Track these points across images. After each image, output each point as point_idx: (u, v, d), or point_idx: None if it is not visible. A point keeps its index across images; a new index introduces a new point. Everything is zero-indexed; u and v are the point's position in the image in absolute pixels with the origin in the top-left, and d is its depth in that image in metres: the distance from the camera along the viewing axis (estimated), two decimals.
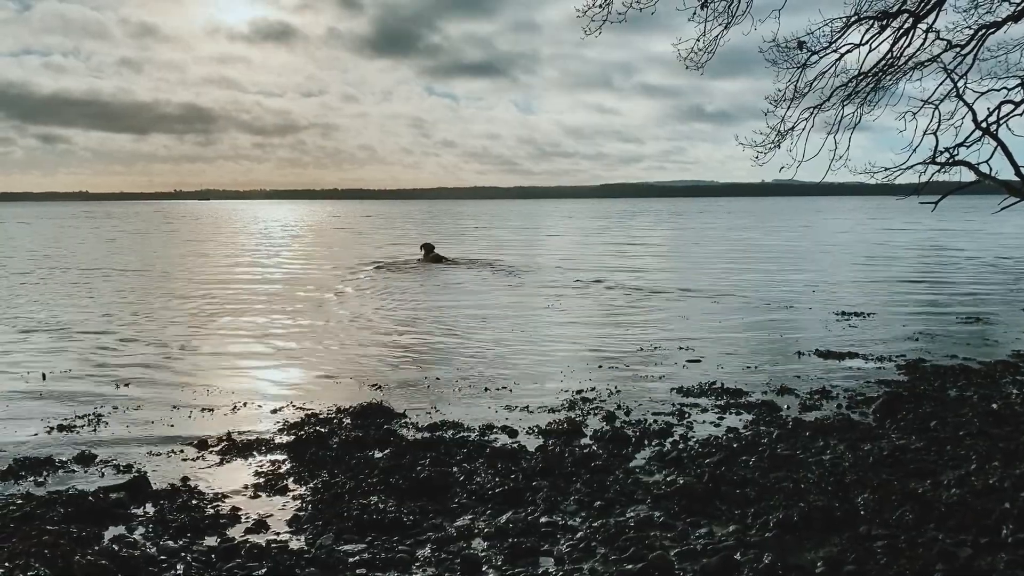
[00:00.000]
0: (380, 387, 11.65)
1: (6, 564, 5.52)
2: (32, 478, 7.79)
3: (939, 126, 14.03)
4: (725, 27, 13.23)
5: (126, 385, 11.78)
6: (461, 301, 21.40)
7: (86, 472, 8.03)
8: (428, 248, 35.45)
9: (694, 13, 13.12)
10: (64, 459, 8.32)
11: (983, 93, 13.85)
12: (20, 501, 6.95)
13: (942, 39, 13.62)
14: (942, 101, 13.97)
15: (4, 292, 24.13)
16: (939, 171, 14.44)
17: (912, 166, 14.23)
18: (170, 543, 6.20)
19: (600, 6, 12.99)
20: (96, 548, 5.99)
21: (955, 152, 14.26)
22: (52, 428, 9.52)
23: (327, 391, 11.51)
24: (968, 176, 14.44)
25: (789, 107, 14.12)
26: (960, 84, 13.72)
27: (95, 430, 9.49)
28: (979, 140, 14.04)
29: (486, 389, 11.45)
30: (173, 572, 5.75)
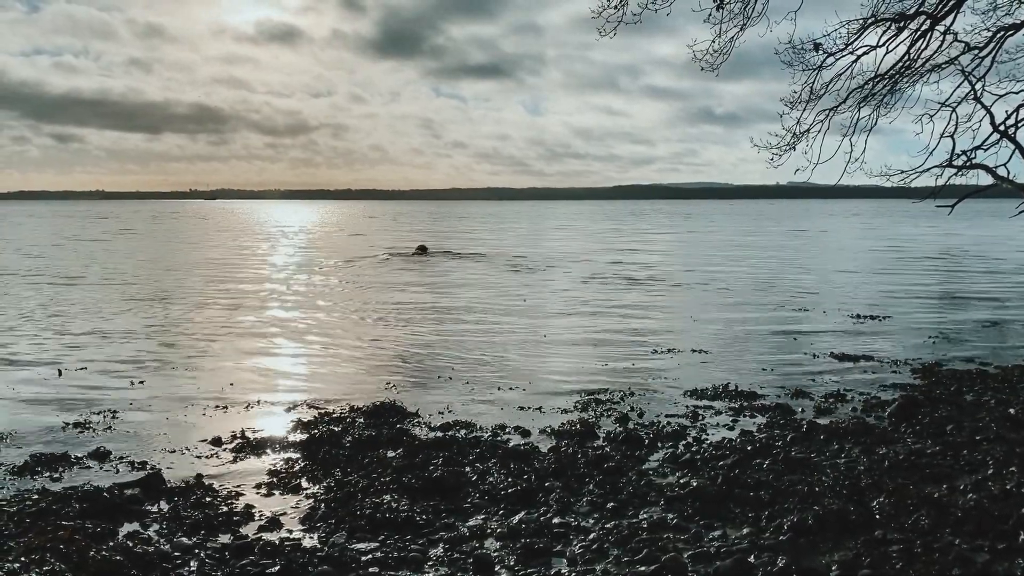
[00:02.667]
0: (393, 386, 11.67)
1: (22, 558, 5.56)
2: (48, 474, 7.84)
3: (956, 129, 13.92)
4: (741, 28, 13.17)
5: (140, 382, 11.85)
6: (473, 299, 21.39)
7: (101, 468, 8.07)
8: (423, 248, 41.31)
9: (709, 15, 13.08)
10: (79, 455, 8.37)
11: (1001, 96, 13.73)
12: (36, 496, 7.00)
13: (960, 41, 13.52)
14: (959, 104, 13.86)
15: (16, 290, 24.32)
16: (956, 174, 14.34)
17: (928, 169, 14.13)
18: (184, 540, 6.22)
19: (615, 7, 12.96)
20: (111, 544, 6.02)
21: (972, 155, 14.15)
22: (67, 424, 9.59)
23: (340, 390, 11.53)
24: (985, 179, 14.32)
25: (804, 109, 14.05)
26: (978, 86, 13.62)
27: (110, 427, 9.55)
28: (997, 143, 13.92)
29: (499, 389, 11.44)
30: (187, 568, 5.77)
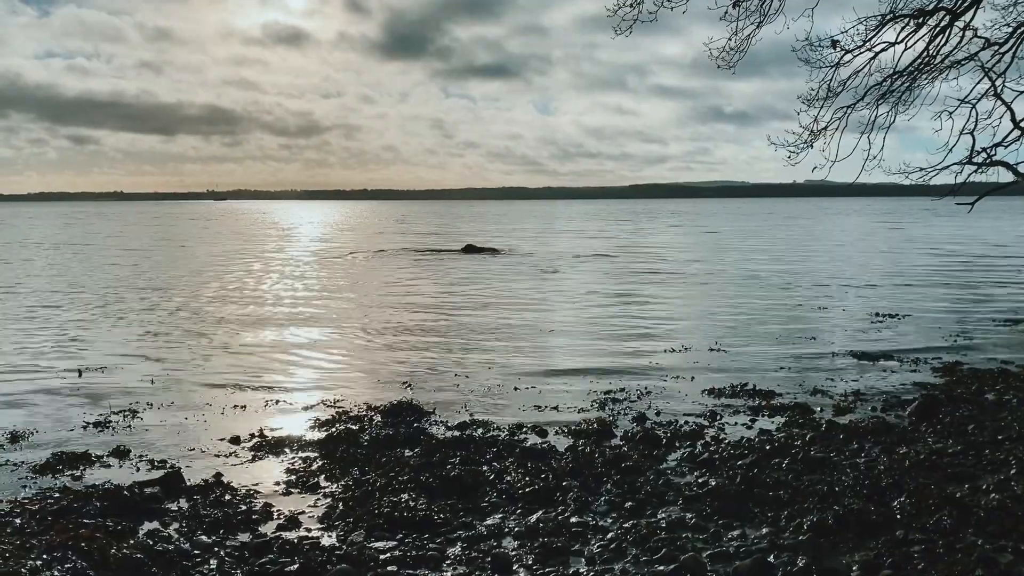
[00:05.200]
0: (410, 385, 11.69)
1: (45, 556, 5.61)
2: (69, 472, 7.90)
3: (976, 125, 13.82)
4: (757, 26, 13.12)
5: (159, 382, 11.92)
6: (488, 297, 21.39)
7: (121, 467, 8.13)
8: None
9: (726, 12, 13.04)
10: (100, 454, 8.44)
11: (1022, 92, 13.61)
12: (58, 495, 7.06)
13: (980, 37, 13.42)
14: (979, 100, 13.75)
15: (34, 290, 24.55)
16: (976, 171, 14.21)
17: (948, 166, 14.03)
18: (203, 538, 6.25)
19: (631, 5, 12.94)
20: (131, 542, 6.06)
21: (993, 152, 14.04)
22: (88, 424, 9.66)
23: (357, 389, 11.57)
24: (1006, 176, 14.19)
25: (822, 107, 13.99)
26: (998, 83, 13.51)
27: (130, 426, 9.62)
28: (1018, 139, 13.78)
29: (515, 388, 11.43)
30: (207, 567, 5.79)
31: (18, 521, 6.40)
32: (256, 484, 7.55)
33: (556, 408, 10.33)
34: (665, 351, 14.19)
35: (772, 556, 5.80)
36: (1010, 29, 13.22)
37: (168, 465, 8.08)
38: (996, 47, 13.30)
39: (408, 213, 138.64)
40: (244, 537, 6.32)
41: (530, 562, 5.85)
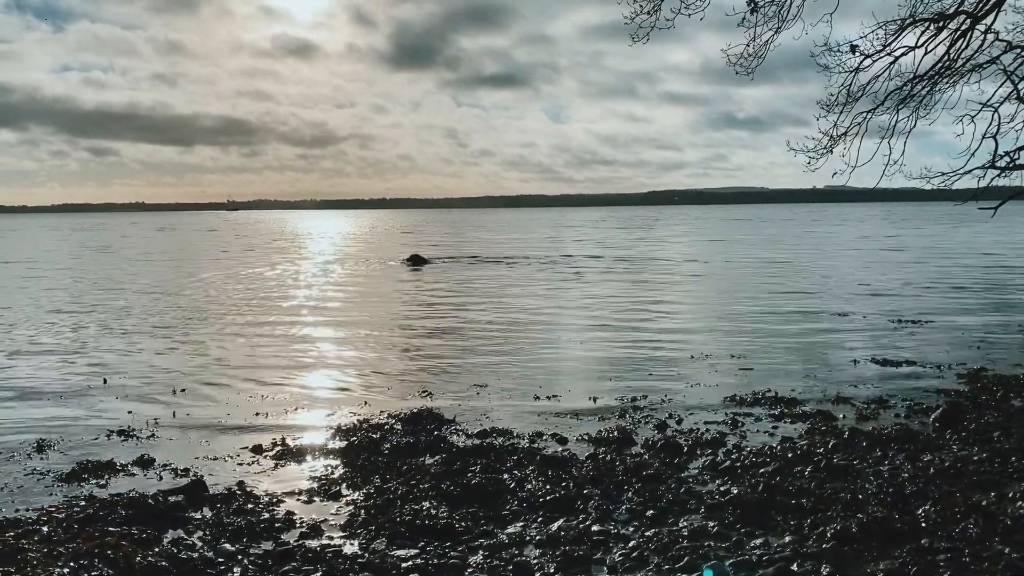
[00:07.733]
0: (429, 393, 11.72)
1: (71, 564, 5.67)
2: (95, 481, 7.99)
3: (999, 129, 13.70)
4: (776, 31, 13.10)
5: (182, 391, 12.02)
6: (504, 304, 21.42)
7: (145, 476, 8.21)
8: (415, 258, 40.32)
9: (743, 19, 13.03)
10: (124, 462, 8.52)
11: None
12: (84, 503, 7.14)
13: (1002, 40, 13.31)
14: (1002, 104, 13.64)
15: (58, 300, 24.83)
16: (999, 175, 14.09)
17: (970, 171, 13.92)
18: (227, 546, 6.30)
19: (648, 13, 12.96)
20: (156, 550, 6.12)
21: (1016, 156, 13.91)
22: (112, 432, 9.77)
23: (377, 397, 11.61)
24: None
25: (841, 112, 13.92)
26: (1021, 86, 13.39)
27: (153, 434, 9.71)
28: None
29: (536, 397, 11.43)
30: (231, 574, 5.84)
31: (45, 529, 6.48)
32: (278, 492, 7.60)
33: (576, 416, 10.33)
34: (685, 358, 14.14)
35: (795, 564, 5.77)
36: None
37: (191, 473, 8.15)
38: (1019, 51, 13.20)
39: (441, 221, 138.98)
40: (267, 545, 6.36)
41: (552, 570, 5.85)
